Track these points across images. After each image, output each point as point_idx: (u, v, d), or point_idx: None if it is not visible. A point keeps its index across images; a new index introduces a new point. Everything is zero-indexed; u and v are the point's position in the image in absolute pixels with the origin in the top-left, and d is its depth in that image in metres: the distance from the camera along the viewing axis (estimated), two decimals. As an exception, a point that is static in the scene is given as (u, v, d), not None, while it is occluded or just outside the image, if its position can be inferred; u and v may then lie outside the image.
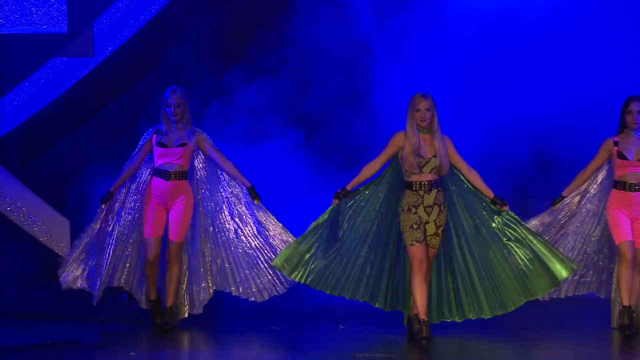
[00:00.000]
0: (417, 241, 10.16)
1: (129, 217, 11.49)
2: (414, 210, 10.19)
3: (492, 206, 10.50)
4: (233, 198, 11.51)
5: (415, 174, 10.19)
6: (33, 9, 14.13)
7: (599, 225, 11.38)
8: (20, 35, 14.20)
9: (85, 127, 14.37)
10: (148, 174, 11.45)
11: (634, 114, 10.98)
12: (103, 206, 11.32)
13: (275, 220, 11.32)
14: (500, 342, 10.90)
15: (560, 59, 14.56)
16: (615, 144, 11.07)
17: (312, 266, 10.61)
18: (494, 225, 10.52)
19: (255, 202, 11.28)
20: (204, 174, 11.48)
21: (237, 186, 11.46)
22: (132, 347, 10.88)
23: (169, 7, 14.54)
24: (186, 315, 11.63)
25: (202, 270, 11.57)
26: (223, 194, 11.51)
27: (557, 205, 11.22)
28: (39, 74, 14.27)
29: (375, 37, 14.53)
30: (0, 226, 13.50)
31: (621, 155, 11.04)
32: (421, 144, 10.20)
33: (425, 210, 10.19)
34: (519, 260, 10.52)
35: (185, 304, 11.67)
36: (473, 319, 10.81)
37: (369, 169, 10.52)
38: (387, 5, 14.58)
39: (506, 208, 10.47)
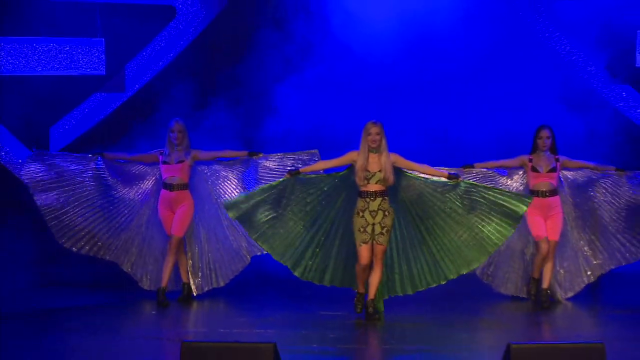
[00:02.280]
0: (364, 242, 10.24)
1: (127, 209, 11.55)
2: (361, 214, 10.24)
3: (449, 183, 10.44)
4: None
5: (364, 185, 10.25)
6: (80, 57, 14.33)
7: (527, 246, 11.65)
8: (71, 76, 14.38)
9: (118, 145, 13.44)
10: (153, 183, 11.58)
11: (543, 139, 11.26)
12: (90, 155, 11.51)
13: (283, 154, 11.47)
14: (429, 314, 10.87)
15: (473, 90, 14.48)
16: (530, 160, 11.32)
17: (254, 217, 10.46)
18: (456, 202, 10.45)
19: (260, 155, 11.47)
20: (197, 187, 11.54)
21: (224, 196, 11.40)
22: (153, 308, 11.32)
23: (179, 57, 14.67)
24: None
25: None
26: (210, 204, 11.62)
27: (465, 169, 11.25)
28: (84, 105, 14.43)
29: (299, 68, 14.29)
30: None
31: (534, 169, 11.27)
32: (370, 161, 10.23)
33: (370, 214, 10.23)
34: (483, 219, 10.41)
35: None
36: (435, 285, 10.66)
37: (321, 165, 10.70)
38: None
39: (460, 179, 10.47)
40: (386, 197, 10.31)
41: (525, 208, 10.41)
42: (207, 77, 14.83)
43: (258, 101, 14.50)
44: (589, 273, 11.64)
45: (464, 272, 10.58)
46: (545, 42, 14.74)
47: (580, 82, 14.67)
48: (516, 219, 10.42)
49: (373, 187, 10.26)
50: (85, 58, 14.49)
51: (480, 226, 10.46)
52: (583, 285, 11.66)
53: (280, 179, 10.58)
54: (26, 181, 11.36)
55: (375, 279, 10.35)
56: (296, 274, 10.66)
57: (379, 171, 10.24)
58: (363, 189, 10.28)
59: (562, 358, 7.71)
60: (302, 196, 10.55)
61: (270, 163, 11.46)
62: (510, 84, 14.47)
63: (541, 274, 11.36)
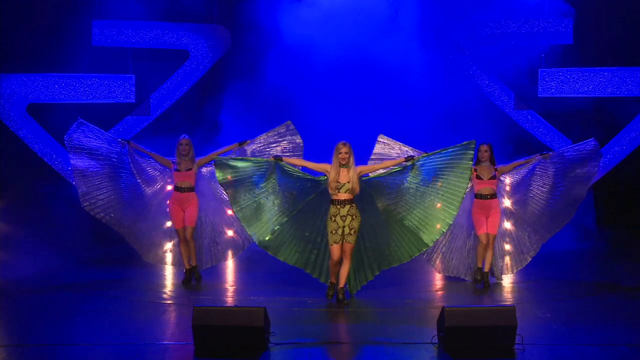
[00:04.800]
0: (335, 242, 9.77)
1: (138, 197, 11.00)
2: (333, 218, 9.77)
3: (407, 165, 9.94)
4: (220, 202, 11.17)
5: (335, 194, 9.78)
6: (115, 88, 14.19)
7: (468, 238, 11.13)
8: (108, 104, 14.26)
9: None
10: (161, 185, 11.11)
11: (482, 153, 10.85)
12: (120, 140, 10.97)
13: (265, 134, 10.87)
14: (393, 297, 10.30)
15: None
16: (475, 170, 10.85)
17: (239, 189, 10.04)
18: (417, 178, 9.92)
19: (248, 142, 10.93)
20: (202, 188, 11.15)
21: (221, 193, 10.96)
22: (173, 281, 11.25)
23: (192, 89, 14.61)
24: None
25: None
26: (214, 201, 11.22)
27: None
28: (118, 125, 14.34)
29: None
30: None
31: (478, 177, 10.85)
32: (341, 174, 9.75)
33: (341, 218, 9.75)
34: (443, 179, 9.84)
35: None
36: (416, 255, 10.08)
37: (300, 161, 10.15)
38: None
39: (416, 158, 9.99)
40: (354, 204, 9.83)
41: (473, 143, 9.87)
42: (212, 104, 14.79)
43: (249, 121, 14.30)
44: (531, 252, 11.12)
45: (445, 230, 9.94)
46: (469, 77, 14.84)
47: (496, 108, 14.78)
48: (468, 163, 9.85)
49: (343, 196, 9.77)
50: (119, 89, 14.37)
51: (443, 185, 9.90)
52: (527, 262, 11.14)
53: (267, 159, 10.17)
54: (67, 144, 10.77)
55: (344, 271, 9.90)
56: (254, 240, 10.16)
57: (347, 182, 9.77)
58: (334, 197, 9.81)
59: (482, 318, 7.78)
60: (277, 184, 10.08)
61: (257, 146, 10.91)
62: (444, 108, 14.52)
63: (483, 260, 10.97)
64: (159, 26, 14.55)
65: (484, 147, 10.95)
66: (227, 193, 10.21)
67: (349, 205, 9.78)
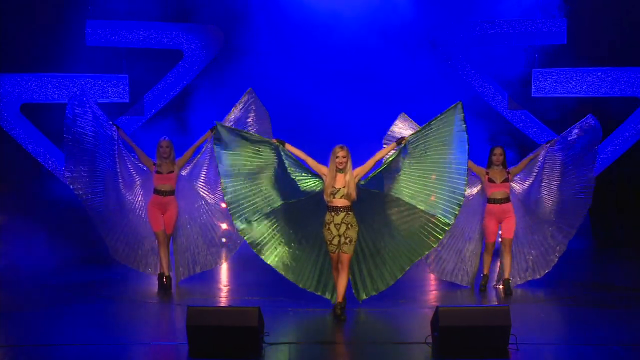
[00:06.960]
0: (332, 252, 9.31)
1: (116, 189, 10.66)
2: (327, 226, 9.28)
3: (401, 147, 9.42)
4: (203, 202, 10.91)
5: (330, 200, 9.28)
6: (109, 88, 14.25)
7: (469, 241, 10.85)
8: (102, 103, 13.33)
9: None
10: (140, 185, 10.82)
11: (497, 156, 10.61)
12: (111, 122, 10.70)
13: (232, 110, 10.50)
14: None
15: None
16: (487, 173, 10.61)
17: (229, 159, 9.58)
18: (413, 157, 9.47)
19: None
20: (182, 191, 10.84)
21: (206, 197, 10.86)
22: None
23: (185, 89, 14.64)
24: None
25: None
26: (196, 203, 10.92)
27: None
28: None
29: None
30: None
31: (491, 180, 10.58)
32: (337, 179, 9.25)
33: (335, 226, 9.25)
34: (438, 148, 9.37)
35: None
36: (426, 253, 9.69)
37: (301, 153, 9.50)
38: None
39: (406, 138, 9.47)
40: (350, 212, 9.31)
41: (459, 105, 9.32)
42: (206, 103, 14.69)
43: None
44: (557, 248, 10.72)
45: (462, 198, 9.38)
46: (463, 77, 14.91)
47: (489, 108, 14.82)
48: (461, 121, 9.28)
49: (338, 202, 9.26)
50: (113, 89, 14.42)
51: (440, 153, 9.44)
52: (553, 263, 10.80)
53: (270, 139, 9.67)
54: (68, 112, 10.45)
55: (341, 284, 9.35)
56: (236, 224, 9.66)
57: (343, 187, 9.25)
58: (330, 204, 9.32)
59: (476, 318, 7.79)
60: (272, 172, 9.63)
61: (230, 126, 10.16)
62: (437, 107, 14.32)
63: (498, 267, 10.79)
64: (153, 26, 14.61)
65: (498, 151, 10.73)
66: (219, 162, 9.65)
67: (343, 213, 9.30)
